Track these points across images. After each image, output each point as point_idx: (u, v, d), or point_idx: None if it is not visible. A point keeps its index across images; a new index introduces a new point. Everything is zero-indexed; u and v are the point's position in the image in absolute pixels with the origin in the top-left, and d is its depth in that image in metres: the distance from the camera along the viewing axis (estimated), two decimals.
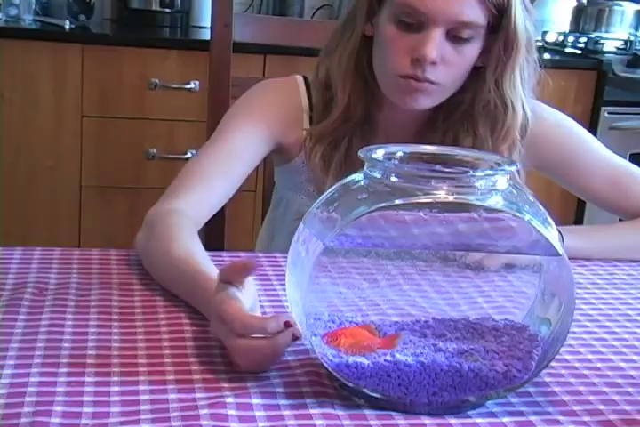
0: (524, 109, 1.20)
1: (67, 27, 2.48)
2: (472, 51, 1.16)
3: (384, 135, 1.27)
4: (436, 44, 1.12)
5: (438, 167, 0.79)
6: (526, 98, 1.21)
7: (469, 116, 1.21)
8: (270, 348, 0.78)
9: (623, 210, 1.32)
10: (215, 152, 1.23)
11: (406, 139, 1.23)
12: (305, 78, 1.31)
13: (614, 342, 0.96)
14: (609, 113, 2.70)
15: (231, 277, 0.83)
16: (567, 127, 1.31)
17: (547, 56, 2.87)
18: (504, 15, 1.14)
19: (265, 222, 1.46)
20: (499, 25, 1.15)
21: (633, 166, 1.32)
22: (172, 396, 0.77)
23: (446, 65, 1.15)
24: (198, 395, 0.77)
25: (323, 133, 1.25)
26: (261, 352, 0.79)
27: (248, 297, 0.82)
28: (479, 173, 0.76)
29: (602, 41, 2.88)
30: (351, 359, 0.77)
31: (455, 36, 1.13)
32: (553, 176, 1.34)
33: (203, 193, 1.19)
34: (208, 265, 0.97)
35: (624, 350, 0.94)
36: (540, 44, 3.03)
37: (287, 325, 0.77)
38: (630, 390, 0.84)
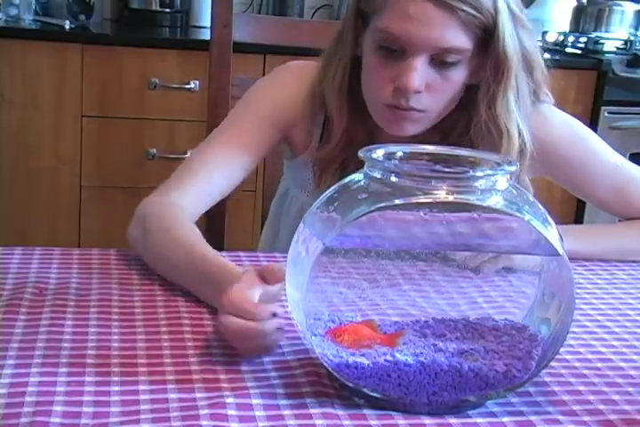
0: (520, 133, 1.15)
1: (67, 27, 2.48)
2: (459, 74, 1.11)
3: None
4: (418, 73, 1.08)
5: (438, 167, 0.79)
6: (523, 116, 1.16)
7: (467, 137, 1.17)
8: (256, 329, 0.81)
9: (630, 217, 1.30)
10: (222, 143, 1.22)
11: None
12: None
13: (614, 342, 0.96)
14: (609, 113, 2.70)
15: (265, 274, 0.84)
16: (577, 135, 1.27)
17: (547, 56, 2.87)
18: (491, 36, 1.09)
19: (269, 218, 1.45)
20: (488, 44, 1.10)
21: (638, 170, 1.30)
22: (172, 396, 0.77)
23: (432, 92, 1.11)
24: (198, 395, 0.77)
25: (328, 160, 1.22)
26: (248, 333, 0.81)
27: (266, 295, 0.84)
28: (479, 173, 0.76)
29: (602, 41, 2.88)
30: (351, 359, 0.77)
31: (440, 61, 1.09)
32: (559, 182, 1.32)
33: (202, 185, 1.19)
34: (215, 253, 0.99)
35: (624, 350, 0.94)
36: (540, 44, 3.03)
37: (274, 315, 0.81)
38: (630, 390, 0.84)
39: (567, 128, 1.27)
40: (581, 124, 1.29)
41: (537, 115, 1.22)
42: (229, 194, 1.24)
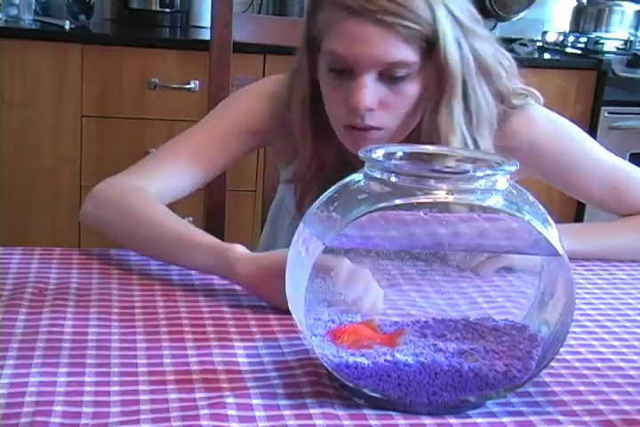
0: (465, 144, 1.14)
1: (67, 27, 2.48)
2: (411, 88, 1.11)
3: None
4: (367, 90, 1.08)
5: (438, 167, 0.79)
6: (481, 126, 1.15)
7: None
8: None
9: (622, 213, 1.30)
10: (196, 138, 1.25)
11: None
12: None
13: (614, 342, 0.96)
14: (609, 113, 2.70)
15: None
16: (565, 134, 1.27)
17: (547, 56, 2.88)
18: (434, 47, 1.09)
19: (266, 225, 1.46)
20: (432, 55, 1.10)
21: (633, 168, 1.29)
22: (172, 396, 0.77)
23: (386, 108, 1.11)
24: (198, 395, 0.77)
25: (305, 184, 1.23)
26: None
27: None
28: (479, 173, 0.76)
29: (602, 41, 2.88)
30: (351, 359, 0.77)
31: (389, 76, 1.09)
32: (551, 182, 1.32)
33: (170, 176, 1.21)
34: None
35: (624, 350, 0.94)
36: (540, 43, 3.04)
37: None
38: (630, 390, 0.84)
39: (554, 127, 1.27)
40: (568, 122, 1.28)
41: (522, 118, 1.22)
42: (188, 194, 1.26)
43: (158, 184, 1.18)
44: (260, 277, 0.96)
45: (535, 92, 1.25)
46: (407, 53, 1.08)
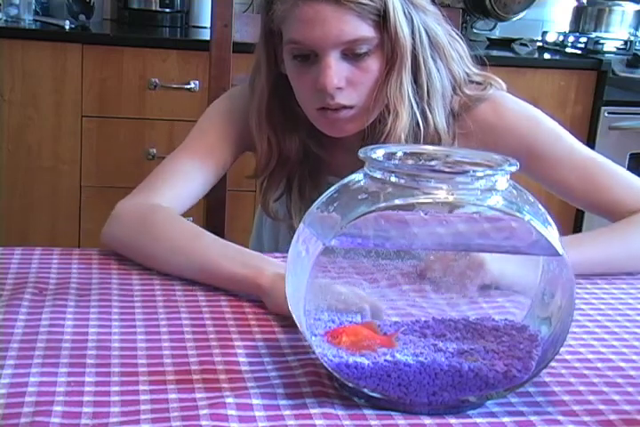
0: (414, 115, 1.17)
1: (67, 27, 2.48)
2: (374, 63, 1.14)
3: (332, 163, 1.27)
4: (332, 70, 1.11)
5: (438, 167, 0.79)
6: (436, 101, 1.19)
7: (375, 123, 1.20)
8: None
9: (591, 203, 1.25)
10: (191, 152, 1.26)
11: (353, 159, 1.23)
12: None
13: (614, 342, 0.96)
14: (609, 113, 2.70)
15: None
16: (533, 118, 1.26)
17: (547, 56, 2.88)
18: (387, 20, 1.12)
19: (254, 227, 1.48)
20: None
21: (604, 159, 1.26)
22: (172, 396, 0.77)
23: (354, 85, 1.14)
24: (198, 395, 0.77)
25: (270, 179, 1.27)
26: None
27: None
28: (479, 173, 0.76)
29: (602, 41, 2.88)
30: (351, 359, 0.77)
31: (352, 53, 1.12)
32: (523, 169, 1.28)
33: (179, 189, 1.22)
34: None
35: (624, 350, 0.94)
36: (540, 43, 3.04)
37: None
38: (630, 390, 0.84)
39: (524, 111, 1.27)
40: (536, 108, 1.28)
41: (488, 104, 1.24)
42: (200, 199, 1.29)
43: (173, 198, 1.20)
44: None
45: (496, 78, 1.27)
46: (363, 29, 1.11)
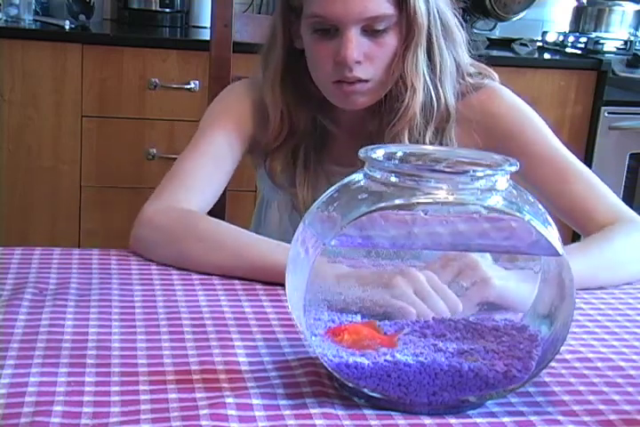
0: (428, 91, 1.22)
1: (67, 27, 2.48)
2: (391, 39, 1.19)
3: (339, 137, 1.30)
4: (353, 44, 1.16)
5: (438, 167, 0.79)
6: (445, 80, 1.23)
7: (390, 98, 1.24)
8: None
9: (562, 207, 1.23)
10: (201, 153, 1.27)
11: (361, 135, 1.26)
12: None
13: (614, 342, 0.96)
14: (609, 113, 2.70)
15: None
16: (524, 112, 1.29)
17: (547, 56, 2.88)
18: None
19: (252, 226, 1.48)
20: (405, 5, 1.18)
21: (586, 169, 1.25)
22: (172, 396, 0.77)
23: (371, 60, 1.18)
24: (198, 395, 0.77)
25: (276, 150, 1.29)
26: None
27: None
28: (479, 173, 0.76)
29: (602, 41, 2.88)
30: (351, 359, 0.77)
31: (372, 30, 1.17)
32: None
33: (197, 191, 1.23)
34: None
35: (624, 349, 0.94)
36: (540, 43, 3.04)
37: None
38: (630, 390, 0.84)
39: (515, 104, 1.30)
40: (530, 107, 1.30)
41: (484, 92, 1.28)
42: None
43: (196, 199, 1.21)
44: None
45: (490, 70, 1.31)
46: (385, 6, 1.16)
